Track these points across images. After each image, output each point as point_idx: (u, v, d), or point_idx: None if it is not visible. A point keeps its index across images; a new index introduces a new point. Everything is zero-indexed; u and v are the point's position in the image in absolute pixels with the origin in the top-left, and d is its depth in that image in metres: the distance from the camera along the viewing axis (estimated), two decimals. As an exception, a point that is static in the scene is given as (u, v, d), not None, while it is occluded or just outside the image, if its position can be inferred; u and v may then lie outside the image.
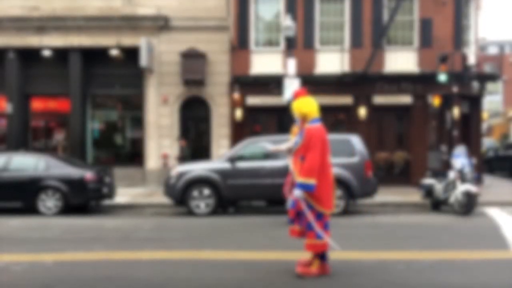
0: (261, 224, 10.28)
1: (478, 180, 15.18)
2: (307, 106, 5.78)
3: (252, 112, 18.26)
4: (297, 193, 5.57)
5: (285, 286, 5.46)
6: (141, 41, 17.23)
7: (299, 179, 5.57)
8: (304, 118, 5.78)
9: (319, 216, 5.65)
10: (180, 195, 11.79)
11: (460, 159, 11.70)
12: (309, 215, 5.61)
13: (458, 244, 7.96)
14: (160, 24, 18.13)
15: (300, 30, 17.79)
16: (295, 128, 10.07)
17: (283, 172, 11.80)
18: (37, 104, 19.31)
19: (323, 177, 5.66)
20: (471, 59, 19.03)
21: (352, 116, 18.21)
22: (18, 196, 12.18)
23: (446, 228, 9.53)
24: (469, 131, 19.26)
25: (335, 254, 6.99)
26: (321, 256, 5.79)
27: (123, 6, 18.31)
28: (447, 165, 15.25)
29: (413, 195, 14.28)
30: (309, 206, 5.63)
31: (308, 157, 5.57)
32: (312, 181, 5.51)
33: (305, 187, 5.52)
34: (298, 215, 5.80)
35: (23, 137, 18.75)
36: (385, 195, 14.18)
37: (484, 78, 19.83)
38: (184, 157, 16.47)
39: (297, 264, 5.96)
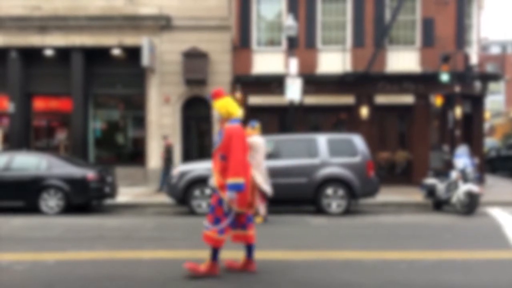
0: (262, 223, 10.26)
1: (480, 180, 15.16)
2: (231, 106, 5.81)
3: (253, 111, 18.23)
4: (230, 194, 5.52)
5: (285, 284, 5.46)
6: (143, 41, 17.23)
7: (229, 180, 5.52)
8: (227, 118, 5.78)
9: (228, 213, 5.64)
10: (182, 194, 11.79)
11: (462, 159, 11.68)
12: (218, 211, 5.62)
13: (460, 243, 7.95)
14: (162, 24, 18.14)
15: (302, 30, 17.78)
16: (249, 130, 10.29)
17: (284, 172, 11.84)
18: (39, 104, 19.34)
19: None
20: (473, 59, 19.00)
21: (354, 115, 18.19)
22: (20, 196, 12.19)
23: (448, 228, 9.52)
24: (471, 131, 19.23)
25: (336, 254, 6.99)
26: (213, 254, 5.74)
27: (125, 6, 18.32)
28: (449, 165, 15.24)
29: (415, 195, 14.26)
30: (220, 202, 5.62)
31: (231, 156, 5.56)
32: (241, 180, 5.50)
33: (235, 187, 5.50)
34: (239, 219, 5.78)
35: (25, 136, 18.78)
36: (386, 195, 14.16)
37: (486, 77, 19.80)
38: (169, 158, 16.32)
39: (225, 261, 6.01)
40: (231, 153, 5.58)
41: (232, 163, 5.55)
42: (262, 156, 9.99)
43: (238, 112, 5.85)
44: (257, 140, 9.89)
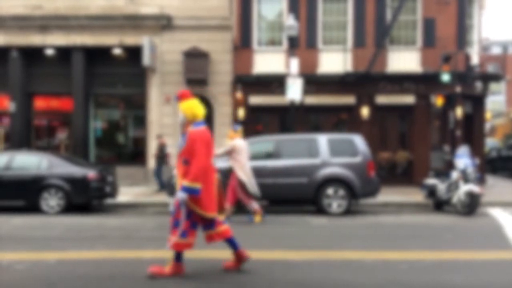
0: (263, 223, 10.27)
1: (480, 180, 15.16)
2: (197, 108, 5.79)
3: (254, 111, 18.25)
4: (180, 195, 5.51)
5: (285, 284, 5.46)
6: (143, 40, 17.24)
7: (185, 182, 5.52)
8: (192, 120, 5.76)
9: (188, 215, 5.61)
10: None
11: (463, 159, 11.68)
12: (178, 213, 5.61)
13: (461, 244, 7.94)
14: (163, 23, 18.14)
15: (302, 30, 17.77)
16: (231, 133, 10.49)
17: (286, 172, 11.84)
18: (40, 103, 19.35)
19: (206, 180, 5.63)
20: (474, 59, 18.99)
21: (354, 116, 18.18)
22: (21, 195, 12.20)
23: (449, 228, 9.52)
24: (472, 131, 19.22)
25: (337, 254, 6.99)
26: (177, 256, 5.72)
27: (126, 5, 18.33)
28: (449, 165, 15.23)
29: (416, 195, 14.25)
30: (180, 206, 5.60)
31: (193, 161, 5.54)
32: (197, 186, 5.49)
33: (190, 191, 5.49)
34: (204, 221, 5.76)
35: (26, 136, 18.79)
36: (387, 195, 14.15)
37: (487, 78, 19.79)
38: (162, 156, 16.35)
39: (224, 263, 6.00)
40: (194, 158, 5.53)
41: (194, 168, 5.50)
42: (245, 158, 10.25)
43: (202, 114, 5.83)
44: (240, 142, 10.22)
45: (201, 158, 5.53)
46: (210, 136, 5.83)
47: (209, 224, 5.82)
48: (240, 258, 5.98)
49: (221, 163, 11.95)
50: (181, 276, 5.71)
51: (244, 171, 10.18)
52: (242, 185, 10.22)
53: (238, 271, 5.94)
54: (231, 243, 5.94)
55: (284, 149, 12.10)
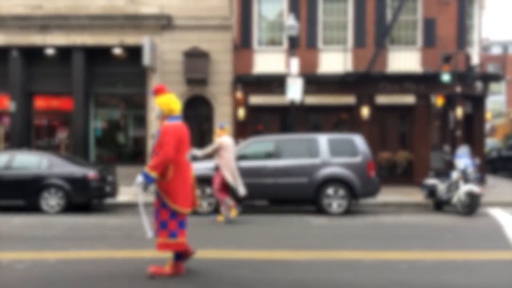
0: (263, 223, 10.28)
1: (481, 181, 15.15)
2: (173, 103, 5.82)
3: (254, 111, 18.25)
4: (139, 179, 5.58)
5: (286, 284, 5.45)
6: (144, 40, 17.23)
7: (146, 168, 5.59)
8: (168, 115, 5.77)
9: (173, 215, 5.60)
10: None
11: (463, 159, 11.68)
12: (163, 214, 5.59)
13: (461, 244, 7.94)
14: (163, 23, 18.14)
15: (303, 30, 17.77)
16: (218, 131, 10.66)
17: (286, 171, 11.84)
18: (40, 103, 19.35)
19: (179, 175, 5.63)
20: (475, 59, 18.99)
21: (354, 115, 18.19)
22: (21, 194, 12.20)
23: (449, 228, 9.52)
24: (472, 131, 19.22)
25: (337, 254, 6.99)
26: (176, 255, 5.73)
27: (126, 5, 18.33)
28: (450, 165, 15.24)
29: (416, 195, 14.26)
30: (163, 205, 5.59)
31: (160, 152, 5.56)
32: (153, 175, 5.51)
33: (146, 177, 5.55)
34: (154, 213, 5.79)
35: (26, 135, 18.79)
36: (387, 195, 14.16)
37: (488, 78, 19.79)
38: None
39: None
40: (161, 149, 5.56)
41: (158, 158, 5.53)
42: (231, 156, 10.38)
43: (178, 109, 5.86)
44: (226, 140, 10.39)
45: (168, 150, 5.53)
46: (186, 132, 5.83)
47: (181, 224, 5.79)
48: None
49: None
50: (181, 276, 5.71)
51: (229, 169, 10.30)
52: (223, 182, 10.33)
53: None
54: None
55: (284, 149, 12.10)
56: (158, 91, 5.88)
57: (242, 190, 10.49)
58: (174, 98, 5.86)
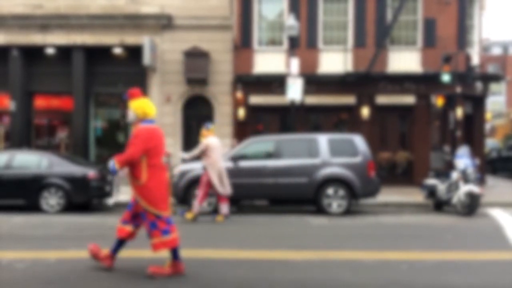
0: (263, 223, 10.28)
1: (481, 181, 15.15)
2: (148, 107, 5.84)
3: (254, 111, 18.25)
4: (111, 164, 5.67)
5: (286, 284, 5.46)
6: (144, 40, 17.23)
7: (115, 158, 5.66)
8: (142, 118, 5.80)
9: (159, 216, 5.65)
10: (182, 193, 11.79)
11: (463, 160, 11.68)
12: (149, 216, 5.63)
13: (461, 244, 7.94)
14: (163, 23, 18.14)
15: (303, 30, 17.77)
16: (204, 131, 10.69)
17: (286, 171, 11.84)
18: (40, 102, 19.34)
19: (154, 178, 5.66)
20: (475, 60, 18.99)
21: (355, 116, 18.19)
22: (21, 194, 12.20)
23: (449, 229, 9.52)
24: (472, 131, 19.22)
25: (337, 254, 6.99)
26: (173, 254, 5.75)
27: (126, 5, 18.32)
28: (450, 166, 15.24)
29: (416, 195, 14.26)
30: (145, 209, 5.65)
31: (128, 149, 5.62)
32: (117, 167, 5.62)
33: (112, 167, 5.65)
34: (135, 217, 5.83)
35: (26, 135, 18.79)
36: (387, 195, 14.15)
37: (488, 78, 19.79)
38: None
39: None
40: (129, 148, 5.60)
41: (124, 155, 5.59)
42: (218, 156, 10.40)
43: (153, 113, 5.88)
44: (212, 140, 10.41)
45: (134, 152, 5.57)
46: (161, 135, 5.86)
47: (135, 221, 5.84)
48: (108, 260, 5.97)
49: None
50: (180, 275, 5.71)
51: (216, 169, 10.31)
52: (209, 184, 10.37)
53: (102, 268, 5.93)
54: (119, 244, 5.96)
55: (284, 149, 12.10)
56: (133, 95, 5.90)
57: (228, 190, 10.50)
58: (148, 103, 5.90)
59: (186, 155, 10.79)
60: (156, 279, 5.60)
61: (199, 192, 10.45)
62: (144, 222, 5.71)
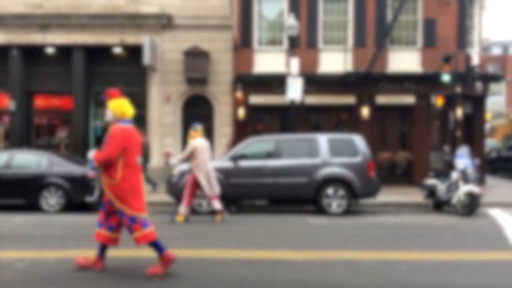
0: (263, 223, 10.28)
1: (480, 181, 15.16)
2: (126, 107, 5.88)
3: (254, 111, 18.25)
4: (89, 155, 5.73)
5: (286, 284, 5.46)
6: (144, 40, 17.23)
7: (96, 154, 5.69)
8: (120, 118, 5.83)
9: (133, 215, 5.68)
10: (182, 193, 11.78)
11: (463, 160, 11.68)
12: (128, 211, 5.63)
13: (461, 244, 7.94)
14: (163, 23, 18.13)
15: (303, 29, 17.77)
16: (192, 132, 10.64)
17: (286, 171, 11.84)
18: (40, 102, 19.34)
19: (128, 178, 5.66)
20: (475, 60, 18.99)
21: (355, 116, 18.19)
22: (21, 193, 12.19)
23: (449, 229, 9.51)
24: (472, 131, 19.23)
25: (337, 254, 6.99)
26: (158, 248, 5.74)
27: (126, 4, 18.32)
28: (449, 166, 15.23)
29: (416, 195, 14.26)
30: (120, 213, 5.67)
31: (105, 149, 5.63)
32: (96, 164, 5.67)
33: (92, 162, 5.70)
34: (108, 217, 5.81)
35: (26, 134, 18.79)
36: (387, 195, 14.16)
37: (488, 78, 19.79)
38: (146, 156, 16.40)
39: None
40: (107, 148, 5.61)
41: (103, 154, 5.60)
42: (205, 157, 10.28)
43: (130, 113, 5.91)
44: (200, 142, 10.29)
45: (111, 152, 5.59)
46: (137, 136, 5.89)
47: (113, 226, 5.85)
48: (96, 265, 5.96)
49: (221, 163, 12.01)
50: (175, 263, 5.72)
51: (203, 171, 10.22)
52: (195, 185, 10.33)
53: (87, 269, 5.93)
54: (103, 249, 5.96)
55: (284, 149, 12.10)
56: (111, 95, 5.92)
57: (216, 190, 10.39)
58: (127, 103, 5.93)
59: (174, 160, 10.74)
60: (156, 279, 5.59)
61: (185, 194, 10.38)
62: (123, 219, 5.69)
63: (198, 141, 10.33)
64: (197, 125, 10.73)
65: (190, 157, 10.35)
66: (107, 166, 5.66)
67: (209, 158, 10.48)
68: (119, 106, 5.84)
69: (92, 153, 5.77)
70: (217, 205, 10.40)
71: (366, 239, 8.31)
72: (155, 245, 5.74)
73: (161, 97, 18.29)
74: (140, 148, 5.95)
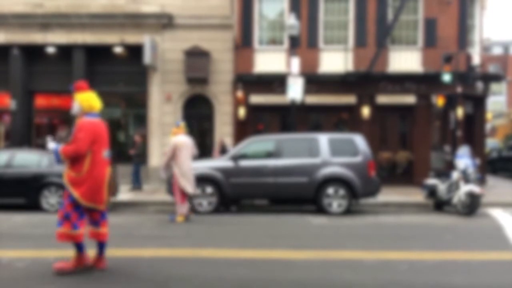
0: (263, 223, 10.28)
1: (481, 181, 15.16)
2: (93, 100, 5.86)
3: (255, 110, 18.25)
4: (53, 146, 5.73)
5: (286, 284, 5.46)
6: (145, 39, 17.23)
7: (64, 148, 5.64)
8: (87, 111, 5.80)
9: (77, 207, 5.65)
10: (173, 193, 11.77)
11: (464, 160, 11.67)
12: (68, 206, 5.62)
13: (461, 244, 7.94)
14: (164, 22, 18.13)
15: (304, 29, 17.77)
16: (174, 129, 10.61)
17: (286, 171, 11.83)
18: (40, 101, 19.35)
19: (92, 172, 5.66)
20: (476, 59, 18.98)
21: (355, 115, 18.18)
22: (21, 193, 12.20)
23: (449, 229, 9.51)
24: (472, 131, 19.22)
25: (337, 254, 6.99)
26: (78, 247, 5.75)
27: (127, 4, 18.32)
28: (450, 166, 15.23)
29: (416, 195, 14.25)
30: (69, 197, 5.63)
31: (73, 143, 5.60)
32: (62, 157, 5.65)
33: (57, 153, 5.66)
34: (90, 214, 5.81)
35: (26, 133, 18.80)
36: (387, 195, 14.16)
37: (488, 78, 19.78)
38: (139, 154, 16.46)
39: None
40: (75, 142, 5.57)
41: (71, 149, 5.57)
42: (186, 155, 10.21)
43: (98, 107, 5.88)
44: (181, 139, 10.24)
45: (81, 146, 5.55)
46: (104, 129, 5.88)
47: (96, 221, 5.86)
48: (97, 264, 5.95)
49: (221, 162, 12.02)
50: (86, 267, 5.76)
51: (181, 169, 10.15)
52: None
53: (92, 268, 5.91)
54: (101, 246, 5.94)
55: (285, 148, 12.10)
56: (79, 88, 5.91)
57: (190, 189, 10.29)
58: (94, 96, 5.90)
59: (162, 164, 10.71)
60: (155, 278, 5.59)
61: (175, 193, 10.33)
62: (60, 210, 5.69)
63: (179, 138, 10.27)
64: (180, 121, 10.77)
65: (171, 155, 10.27)
66: (74, 160, 5.62)
67: (190, 156, 10.36)
68: (86, 99, 5.81)
69: (53, 144, 5.73)
70: (179, 208, 10.34)
71: (366, 239, 8.30)
72: (79, 245, 5.74)
73: (161, 96, 18.29)
74: (107, 142, 5.94)
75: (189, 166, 10.33)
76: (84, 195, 5.61)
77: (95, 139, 5.68)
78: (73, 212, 5.64)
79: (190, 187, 10.26)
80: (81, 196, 5.60)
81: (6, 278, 5.69)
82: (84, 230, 5.74)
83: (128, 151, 17.19)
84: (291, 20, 15.04)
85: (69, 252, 7.01)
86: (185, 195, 10.31)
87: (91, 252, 6.09)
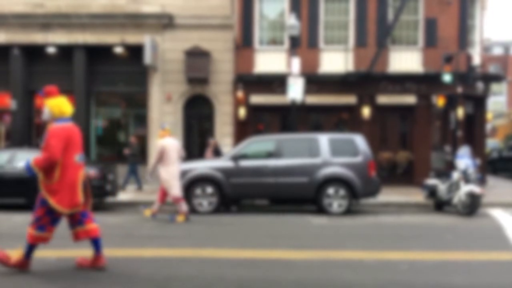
0: (264, 223, 10.28)
1: (481, 181, 15.14)
2: (64, 106, 5.80)
3: (255, 110, 18.25)
4: (24, 164, 5.83)
5: (286, 284, 5.46)
6: (145, 39, 17.24)
7: (31, 161, 5.74)
8: (58, 117, 5.76)
9: (50, 212, 5.67)
10: (183, 193, 11.78)
11: (464, 160, 11.67)
12: (39, 210, 5.67)
13: (462, 244, 7.94)
14: (164, 22, 18.14)
15: (304, 29, 17.77)
16: (160, 132, 10.70)
17: (286, 171, 11.84)
18: (41, 101, 19.27)
19: (65, 177, 5.67)
20: (476, 60, 18.98)
21: (355, 115, 18.18)
22: (22, 193, 12.18)
23: (449, 229, 9.51)
24: (473, 131, 19.21)
25: (337, 254, 6.99)
26: (28, 251, 5.76)
27: (127, 4, 18.33)
28: (450, 166, 15.23)
29: (416, 195, 14.25)
30: (42, 202, 5.68)
31: (45, 152, 5.61)
32: (35, 171, 5.73)
33: (28, 168, 5.79)
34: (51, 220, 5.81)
35: (27, 133, 18.81)
36: (388, 195, 14.15)
37: (489, 78, 19.78)
38: (134, 154, 16.48)
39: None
40: (48, 149, 5.57)
41: (43, 158, 5.61)
42: (172, 157, 10.28)
43: (69, 112, 5.83)
44: (168, 141, 10.32)
45: (54, 153, 5.55)
46: (77, 133, 5.84)
47: (78, 220, 5.87)
48: (95, 263, 5.94)
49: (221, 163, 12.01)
50: (25, 272, 5.76)
51: (168, 171, 10.21)
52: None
53: (92, 269, 5.91)
54: (95, 243, 5.93)
55: (285, 148, 12.10)
56: (49, 93, 5.83)
57: (177, 191, 10.33)
58: (65, 101, 5.84)
59: (150, 167, 10.79)
60: (155, 278, 5.59)
61: (173, 197, 10.40)
62: (35, 211, 5.72)
63: (166, 140, 10.36)
64: (165, 124, 10.95)
65: (159, 157, 10.31)
66: (49, 168, 5.61)
67: (177, 158, 10.44)
68: (57, 105, 5.75)
69: (25, 162, 5.77)
70: (156, 206, 10.45)
71: (366, 239, 8.31)
72: (30, 249, 5.78)
73: (162, 96, 18.29)
74: (80, 146, 5.90)
75: (177, 168, 10.41)
76: (60, 202, 5.62)
77: (67, 144, 5.65)
78: (45, 216, 5.69)
79: (176, 189, 10.34)
80: (58, 203, 5.62)
81: (6, 278, 5.69)
82: (50, 235, 5.76)
83: (123, 151, 17.18)
84: (291, 20, 15.04)
85: (69, 252, 7.01)
86: (165, 196, 10.45)
87: (89, 253, 6.09)
